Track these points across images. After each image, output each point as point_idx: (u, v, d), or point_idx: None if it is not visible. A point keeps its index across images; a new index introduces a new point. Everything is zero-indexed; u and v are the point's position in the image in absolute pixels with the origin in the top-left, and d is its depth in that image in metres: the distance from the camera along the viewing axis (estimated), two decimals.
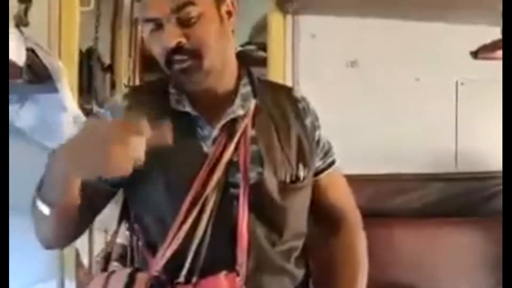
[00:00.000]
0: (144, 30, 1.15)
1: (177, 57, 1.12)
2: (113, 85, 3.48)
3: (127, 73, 3.96)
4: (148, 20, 1.12)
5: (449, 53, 2.28)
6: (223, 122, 1.21)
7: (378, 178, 2.25)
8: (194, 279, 1.13)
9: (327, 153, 1.37)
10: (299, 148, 1.27)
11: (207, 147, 1.20)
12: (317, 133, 1.33)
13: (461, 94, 2.34)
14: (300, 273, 1.30)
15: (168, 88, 1.24)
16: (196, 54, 1.13)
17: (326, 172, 1.36)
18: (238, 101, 1.23)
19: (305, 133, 1.30)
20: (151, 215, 1.20)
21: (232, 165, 1.19)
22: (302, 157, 1.27)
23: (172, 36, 1.10)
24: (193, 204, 1.14)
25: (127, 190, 1.27)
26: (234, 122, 1.21)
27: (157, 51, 1.15)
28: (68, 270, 1.69)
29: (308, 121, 1.31)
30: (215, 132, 1.20)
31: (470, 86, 2.33)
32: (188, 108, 1.21)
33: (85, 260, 2.17)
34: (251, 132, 1.22)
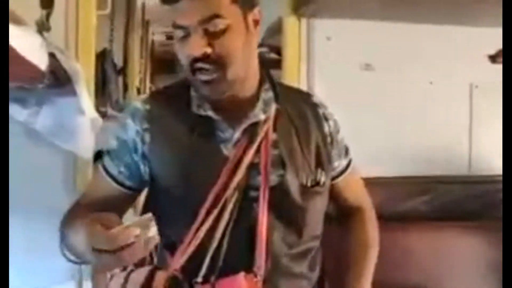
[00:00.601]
0: (175, 35, 1.15)
1: (201, 65, 1.13)
2: (125, 88, 3.50)
3: (138, 75, 3.98)
4: (177, 27, 1.13)
5: (463, 55, 2.27)
6: (244, 125, 1.22)
7: (391, 180, 2.25)
8: (212, 278, 1.14)
9: (347, 151, 1.41)
10: (317, 153, 1.29)
11: (227, 150, 1.21)
12: (339, 136, 1.36)
13: (475, 97, 2.33)
14: (314, 275, 1.32)
15: (189, 92, 1.26)
16: (221, 65, 1.13)
17: (348, 170, 1.40)
18: (260, 105, 1.25)
19: (324, 140, 1.31)
20: (171, 215, 1.21)
21: (253, 167, 1.20)
22: (320, 163, 1.29)
23: (198, 46, 1.11)
24: (213, 206, 1.16)
25: (149, 192, 1.28)
26: (255, 125, 1.23)
27: (182, 58, 1.16)
28: (85, 272, 1.71)
29: (327, 127, 1.33)
30: (237, 135, 1.21)
31: (485, 88, 2.32)
32: (209, 112, 1.22)
33: None
34: (272, 136, 1.23)
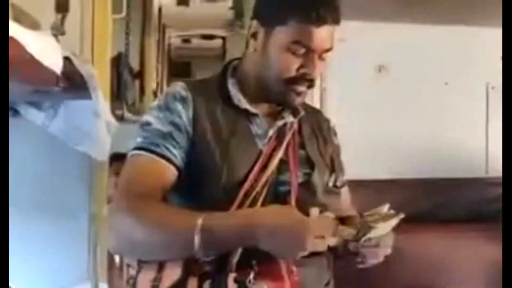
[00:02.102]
0: (283, 44, 1.26)
1: (301, 83, 1.28)
2: (142, 91, 3.53)
3: (155, 79, 4.01)
4: (301, 45, 1.25)
5: (478, 56, 2.26)
6: (279, 124, 1.33)
7: (406, 182, 2.25)
8: (253, 261, 1.15)
9: (343, 171, 1.50)
10: (332, 161, 1.42)
11: (262, 145, 1.30)
12: (340, 152, 1.48)
13: (491, 97, 2.32)
14: (329, 273, 1.36)
15: (227, 87, 1.34)
16: (312, 82, 1.30)
17: (345, 187, 1.48)
18: (290, 109, 1.37)
19: (336, 151, 1.46)
20: (205, 203, 1.21)
21: (282, 164, 1.29)
22: (335, 169, 1.42)
23: (318, 69, 1.28)
24: (244, 197, 1.22)
25: (187, 176, 1.28)
26: (283, 126, 1.34)
27: (284, 69, 1.27)
28: (101, 272, 1.73)
29: (335, 141, 1.48)
30: (271, 133, 1.31)
31: (501, 89, 2.30)
32: (248, 106, 1.32)
33: (117, 259, 2.20)
34: (298, 138, 1.36)
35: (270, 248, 1.07)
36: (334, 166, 1.42)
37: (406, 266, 2.06)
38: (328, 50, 1.28)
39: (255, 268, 1.14)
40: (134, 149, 1.25)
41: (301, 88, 1.29)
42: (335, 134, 1.49)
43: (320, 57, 1.27)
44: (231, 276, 1.14)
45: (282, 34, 1.26)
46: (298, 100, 1.32)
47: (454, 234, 2.16)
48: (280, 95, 1.31)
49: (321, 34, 1.25)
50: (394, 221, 1.20)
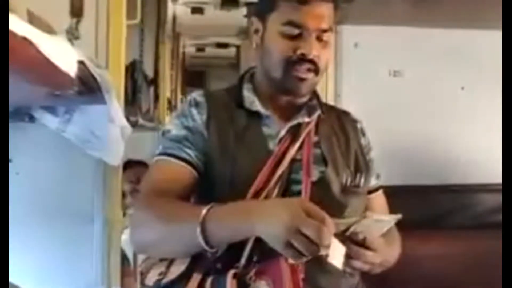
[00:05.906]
0: (277, 29, 1.29)
1: (301, 66, 1.28)
2: (156, 98, 3.55)
3: (169, 86, 4.02)
4: (294, 25, 1.27)
5: (495, 60, 2.24)
6: (290, 124, 1.34)
7: (422, 188, 2.24)
8: (254, 258, 1.17)
9: (378, 175, 1.47)
10: (356, 160, 1.39)
11: (273, 146, 1.31)
12: (372, 153, 1.45)
13: None
14: (354, 274, 1.33)
15: (242, 92, 1.38)
16: (316, 70, 1.30)
17: (377, 193, 1.46)
18: (305, 109, 1.38)
19: (361, 151, 1.43)
20: (218, 202, 1.19)
21: (295, 162, 1.29)
22: (359, 168, 1.38)
23: (314, 48, 1.28)
24: (256, 195, 1.22)
25: (204, 176, 1.31)
26: (298, 126, 1.35)
27: (281, 53, 1.29)
28: (115, 277, 1.73)
29: (363, 141, 1.45)
30: (283, 133, 1.32)
31: None
32: (259, 108, 1.34)
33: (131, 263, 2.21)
34: (314, 137, 1.35)
35: (262, 234, 1.03)
36: (358, 166, 1.39)
37: (425, 270, 2.02)
38: (325, 31, 1.28)
39: (256, 265, 1.15)
40: (156, 155, 1.33)
41: (302, 72, 1.29)
42: (364, 134, 1.47)
43: (319, 39, 1.28)
44: (231, 272, 1.14)
45: (274, 19, 1.29)
46: (303, 87, 1.31)
47: (471, 241, 2.13)
48: (283, 83, 1.32)
49: (312, 12, 1.26)
50: (387, 218, 1.12)
